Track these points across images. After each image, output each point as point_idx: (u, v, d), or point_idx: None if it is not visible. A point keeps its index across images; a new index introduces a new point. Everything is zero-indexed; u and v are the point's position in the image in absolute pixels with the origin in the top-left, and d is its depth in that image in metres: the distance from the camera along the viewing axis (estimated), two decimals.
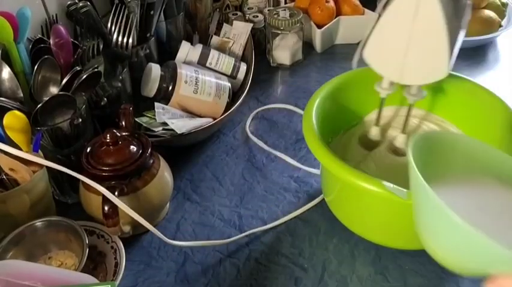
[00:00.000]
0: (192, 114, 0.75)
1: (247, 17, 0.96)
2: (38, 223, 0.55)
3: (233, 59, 0.83)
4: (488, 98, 0.60)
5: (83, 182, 0.58)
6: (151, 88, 0.73)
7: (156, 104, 0.71)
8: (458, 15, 0.52)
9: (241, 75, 0.83)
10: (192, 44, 0.83)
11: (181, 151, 0.75)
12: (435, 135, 0.50)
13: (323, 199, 0.63)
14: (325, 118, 0.60)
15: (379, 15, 0.51)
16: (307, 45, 0.97)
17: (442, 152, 0.47)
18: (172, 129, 0.68)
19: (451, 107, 0.64)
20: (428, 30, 0.49)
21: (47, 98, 0.58)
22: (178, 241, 0.58)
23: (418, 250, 0.53)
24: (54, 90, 0.62)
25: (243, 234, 0.61)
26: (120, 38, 0.73)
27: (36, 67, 0.60)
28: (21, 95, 0.60)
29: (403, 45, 0.51)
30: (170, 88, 0.73)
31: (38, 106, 0.57)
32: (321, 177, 0.63)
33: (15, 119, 0.54)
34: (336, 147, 0.63)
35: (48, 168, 0.58)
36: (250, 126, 0.80)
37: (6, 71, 0.60)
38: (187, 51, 0.81)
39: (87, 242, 0.53)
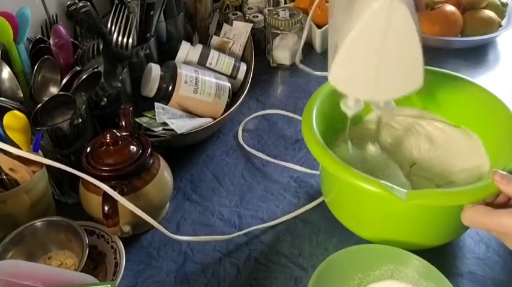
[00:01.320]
0: (192, 114, 0.75)
1: (247, 17, 0.96)
2: (38, 223, 0.55)
3: (233, 59, 0.83)
4: (491, 100, 0.59)
5: (83, 182, 0.58)
6: (151, 88, 0.73)
7: (156, 104, 0.71)
8: (416, 19, 0.49)
9: (241, 75, 0.83)
10: (192, 44, 0.83)
11: (181, 151, 0.75)
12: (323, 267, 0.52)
13: (323, 199, 0.63)
14: (325, 118, 0.60)
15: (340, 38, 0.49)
16: (307, 46, 0.97)
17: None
18: (172, 130, 0.68)
19: (452, 107, 0.64)
20: (401, 44, 0.47)
21: (47, 98, 0.58)
22: (178, 241, 0.58)
23: (417, 250, 0.53)
24: (54, 90, 0.62)
25: (243, 231, 0.61)
26: (120, 38, 0.73)
27: (36, 67, 0.60)
28: (21, 95, 0.60)
29: (375, 64, 0.48)
30: (170, 88, 0.73)
31: (38, 106, 0.57)
32: (321, 177, 0.63)
33: (15, 119, 0.54)
34: (337, 146, 0.63)
35: (48, 168, 0.58)
36: (244, 133, 0.79)
37: (6, 71, 0.60)
38: (187, 51, 0.81)
39: (87, 242, 0.53)
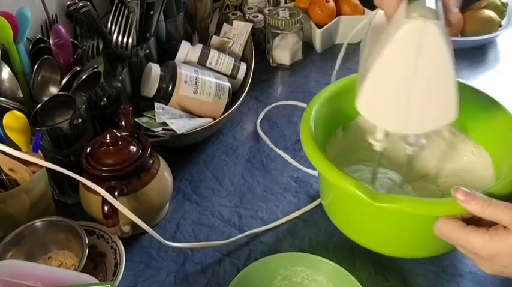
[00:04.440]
0: (192, 114, 0.75)
1: (247, 17, 0.96)
2: (38, 223, 0.55)
3: (233, 59, 0.83)
4: (489, 103, 0.58)
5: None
6: (151, 88, 0.73)
7: (156, 104, 0.71)
8: (450, 47, 0.45)
9: (241, 75, 0.83)
10: (191, 44, 0.83)
11: (181, 151, 0.75)
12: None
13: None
14: (324, 123, 0.59)
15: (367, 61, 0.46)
16: (307, 45, 0.97)
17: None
18: (172, 130, 0.68)
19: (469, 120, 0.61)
20: (433, 73, 0.43)
21: (47, 98, 0.58)
22: (177, 242, 0.58)
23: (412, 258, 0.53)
24: (53, 90, 0.62)
25: (243, 234, 0.61)
26: (120, 38, 0.73)
27: (35, 67, 0.60)
28: (21, 95, 0.60)
29: (405, 93, 0.45)
30: (170, 88, 0.73)
31: (38, 106, 0.57)
32: (319, 182, 0.62)
33: (14, 119, 0.54)
34: (337, 147, 0.63)
35: (48, 168, 0.58)
36: (260, 124, 0.80)
37: (6, 71, 0.60)
38: (187, 51, 0.81)
39: (86, 242, 0.53)
